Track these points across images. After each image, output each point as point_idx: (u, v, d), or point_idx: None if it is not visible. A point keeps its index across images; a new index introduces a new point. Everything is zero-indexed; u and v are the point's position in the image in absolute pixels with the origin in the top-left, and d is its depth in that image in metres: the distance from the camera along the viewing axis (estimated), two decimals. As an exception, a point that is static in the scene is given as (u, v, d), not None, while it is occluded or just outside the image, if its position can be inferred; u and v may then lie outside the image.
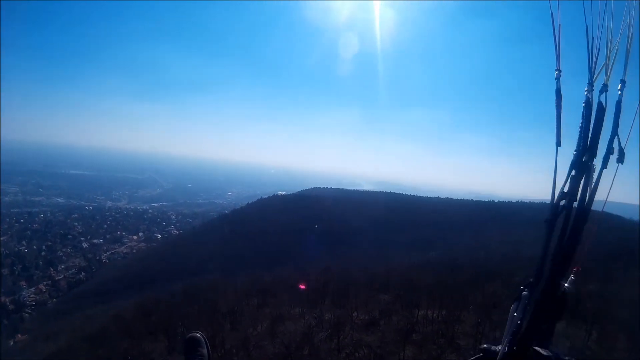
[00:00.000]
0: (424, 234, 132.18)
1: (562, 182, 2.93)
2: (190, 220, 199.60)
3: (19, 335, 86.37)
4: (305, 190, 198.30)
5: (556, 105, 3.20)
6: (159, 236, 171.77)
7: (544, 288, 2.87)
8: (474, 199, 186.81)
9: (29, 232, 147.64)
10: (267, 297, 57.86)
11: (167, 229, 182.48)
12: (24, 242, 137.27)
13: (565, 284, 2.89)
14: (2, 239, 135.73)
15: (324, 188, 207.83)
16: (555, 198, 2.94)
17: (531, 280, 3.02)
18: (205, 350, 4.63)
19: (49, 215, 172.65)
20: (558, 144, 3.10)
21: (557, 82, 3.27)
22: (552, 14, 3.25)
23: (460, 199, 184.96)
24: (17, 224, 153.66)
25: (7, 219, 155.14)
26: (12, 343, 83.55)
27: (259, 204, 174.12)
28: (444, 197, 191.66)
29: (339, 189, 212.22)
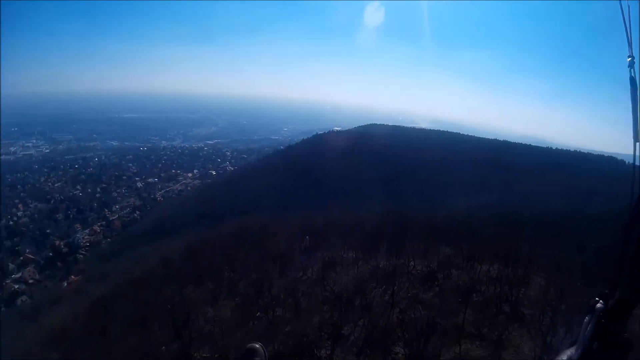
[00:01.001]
0: (483, 175, 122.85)
1: None
2: (245, 156, 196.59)
3: (72, 276, 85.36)
4: (362, 126, 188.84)
5: (631, 96, 2.94)
6: (214, 173, 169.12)
7: (621, 299, 2.65)
8: (532, 144, 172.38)
9: (83, 176, 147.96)
10: (320, 240, 53.20)
11: (222, 166, 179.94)
12: (78, 187, 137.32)
13: None
14: (57, 185, 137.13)
15: (380, 125, 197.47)
16: (636, 200, 2.72)
17: (606, 291, 2.77)
18: None
19: (103, 158, 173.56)
20: (636, 139, 2.89)
21: (630, 70, 2.98)
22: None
23: (518, 143, 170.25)
24: (71, 170, 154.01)
25: (62, 166, 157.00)
26: (65, 285, 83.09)
27: (315, 140, 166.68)
28: (502, 139, 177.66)
29: (395, 126, 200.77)
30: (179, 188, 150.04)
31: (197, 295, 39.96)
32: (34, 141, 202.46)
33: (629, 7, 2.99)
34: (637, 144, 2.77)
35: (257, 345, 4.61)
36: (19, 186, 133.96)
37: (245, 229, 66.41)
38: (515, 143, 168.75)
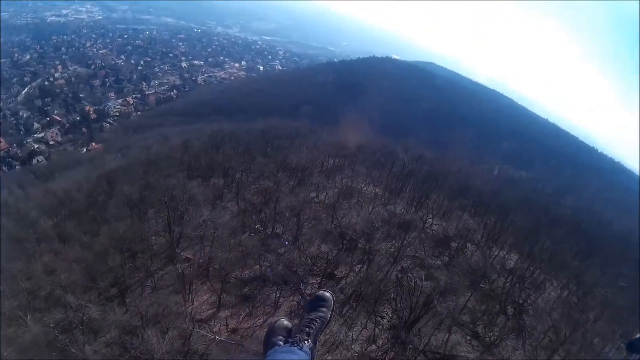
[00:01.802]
0: (526, 147, 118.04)
1: None
2: (297, 59, 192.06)
3: (94, 144, 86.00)
4: (421, 62, 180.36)
5: None
6: (262, 68, 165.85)
7: None
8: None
9: (129, 47, 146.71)
10: (345, 165, 51.57)
11: (271, 63, 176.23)
12: (122, 56, 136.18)
13: None
14: (101, 52, 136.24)
15: (440, 66, 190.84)
16: None
17: None
18: (328, 313, 4.21)
19: (154, 33, 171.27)
20: None
21: None
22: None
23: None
24: (119, 39, 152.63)
25: (110, 34, 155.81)
26: (84, 151, 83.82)
27: (371, 61, 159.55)
28: (553, 122, 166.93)
29: (454, 72, 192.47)
30: (223, 76, 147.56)
31: (202, 191, 39.25)
32: (88, 6, 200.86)
33: None
34: None
35: (328, 294, 4.19)
36: (62, 48, 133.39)
37: (274, 130, 66.00)
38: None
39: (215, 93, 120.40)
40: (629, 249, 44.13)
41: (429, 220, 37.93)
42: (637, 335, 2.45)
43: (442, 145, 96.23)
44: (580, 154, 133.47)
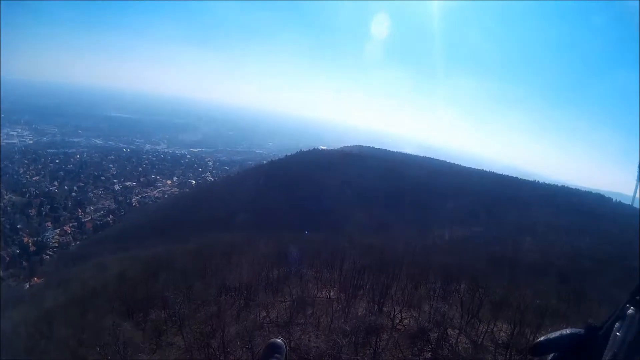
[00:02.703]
0: (468, 206, 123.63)
1: None
2: (227, 167, 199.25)
3: (36, 278, 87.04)
4: (347, 147, 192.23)
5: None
6: (194, 182, 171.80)
7: None
8: (519, 177, 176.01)
9: (62, 172, 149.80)
10: (291, 273, 50.27)
11: (202, 175, 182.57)
12: (55, 183, 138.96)
13: None
14: (34, 179, 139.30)
15: (366, 147, 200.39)
16: None
17: (638, 297, 2.68)
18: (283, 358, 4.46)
19: (85, 156, 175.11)
20: None
21: None
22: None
23: (505, 175, 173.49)
24: (51, 164, 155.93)
25: (42, 159, 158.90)
26: (27, 286, 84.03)
27: (299, 156, 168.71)
28: (488, 170, 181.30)
29: (381, 149, 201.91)
30: (157, 195, 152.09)
31: (143, 327, 38.01)
32: (19, 130, 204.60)
33: None
34: None
35: (279, 340, 4.61)
36: None
37: (213, 247, 67.00)
38: (501, 175, 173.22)
39: (150, 214, 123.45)
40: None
41: (398, 315, 35.56)
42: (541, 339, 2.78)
43: (385, 225, 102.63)
44: (525, 192, 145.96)
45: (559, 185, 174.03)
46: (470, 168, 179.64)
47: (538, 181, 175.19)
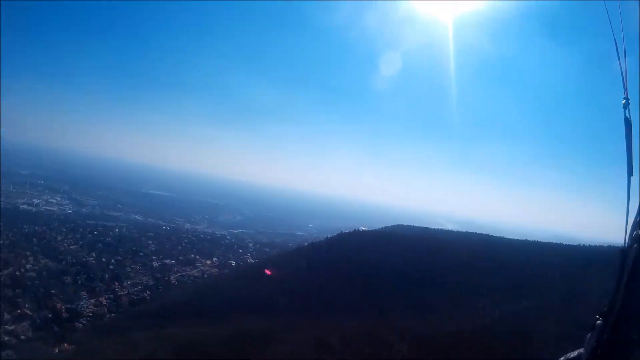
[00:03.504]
0: (514, 280, 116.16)
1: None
2: (267, 249, 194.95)
3: (66, 344, 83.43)
4: (388, 227, 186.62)
5: (626, 135, 3.40)
6: (234, 263, 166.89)
7: (620, 315, 3.09)
8: (563, 243, 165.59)
9: (100, 244, 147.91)
10: None
11: (242, 257, 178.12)
12: (93, 254, 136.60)
13: None
14: (72, 247, 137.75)
15: (406, 226, 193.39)
16: (630, 228, 3.23)
17: (605, 309, 3.21)
18: None
19: (124, 230, 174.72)
20: (630, 173, 3.43)
21: (624, 110, 3.39)
22: (614, 39, 3.45)
23: (548, 242, 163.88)
24: (89, 235, 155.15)
25: (81, 229, 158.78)
26: (56, 351, 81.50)
27: (340, 238, 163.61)
28: (531, 239, 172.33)
29: (422, 227, 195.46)
30: (195, 274, 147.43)
31: None
32: (59, 198, 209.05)
33: (624, 50, 3.48)
34: (630, 177, 3.30)
35: None
36: (34, 239, 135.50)
37: (249, 333, 63.67)
38: (545, 242, 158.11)
39: (188, 293, 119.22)
40: None
41: None
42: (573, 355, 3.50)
43: (430, 308, 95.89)
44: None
45: (605, 245, 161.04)
46: (514, 239, 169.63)
47: (582, 244, 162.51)
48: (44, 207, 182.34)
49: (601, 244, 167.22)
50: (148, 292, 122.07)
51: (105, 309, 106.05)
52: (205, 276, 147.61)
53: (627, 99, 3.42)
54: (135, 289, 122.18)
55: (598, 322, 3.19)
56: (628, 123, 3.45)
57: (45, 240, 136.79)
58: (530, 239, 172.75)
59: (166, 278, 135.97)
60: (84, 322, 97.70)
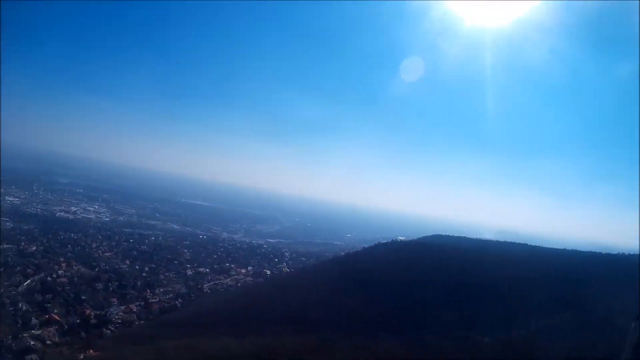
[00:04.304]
0: (555, 291, 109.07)
1: None
2: (304, 259, 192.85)
3: (92, 350, 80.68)
4: (426, 237, 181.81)
5: None
6: (269, 272, 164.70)
7: None
8: (603, 252, 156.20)
9: (135, 252, 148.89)
10: None
11: (278, 266, 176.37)
12: (127, 261, 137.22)
13: None
14: (106, 254, 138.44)
15: (445, 236, 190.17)
16: None
17: None
18: None
19: (160, 239, 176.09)
20: None
21: None
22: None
23: (588, 251, 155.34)
24: (125, 243, 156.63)
25: (117, 237, 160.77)
26: (81, 357, 78.62)
27: (377, 248, 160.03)
28: (570, 248, 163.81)
29: (460, 237, 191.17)
30: (229, 283, 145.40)
31: None
32: (96, 207, 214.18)
33: None
34: None
35: None
36: (69, 245, 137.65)
37: (281, 347, 59.73)
38: (587, 252, 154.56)
39: (220, 302, 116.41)
40: None
41: None
42: None
43: (472, 320, 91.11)
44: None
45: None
46: (552, 249, 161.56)
47: (623, 253, 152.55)
48: (81, 214, 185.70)
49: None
50: (180, 300, 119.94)
51: (135, 316, 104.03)
52: (239, 285, 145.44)
53: None
54: (167, 296, 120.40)
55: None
56: None
57: (80, 247, 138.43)
58: (569, 248, 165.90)
59: (199, 286, 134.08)
60: (112, 328, 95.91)
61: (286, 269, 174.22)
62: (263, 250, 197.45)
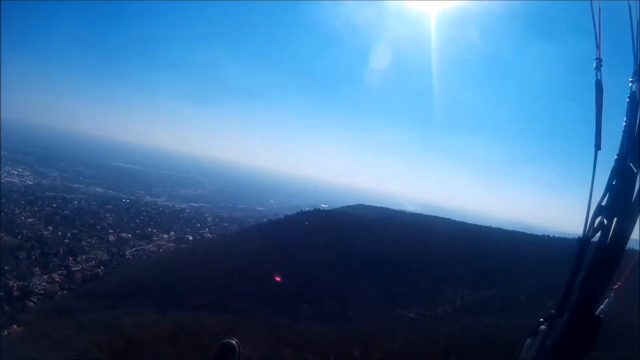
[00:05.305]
0: (479, 267, 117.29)
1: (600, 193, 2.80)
2: (226, 224, 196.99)
3: (15, 326, 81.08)
4: (349, 206, 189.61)
5: (596, 101, 2.94)
6: (191, 238, 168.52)
7: (571, 317, 2.79)
8: (527, 232, 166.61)
9: (58, 217, 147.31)
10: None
11: (200, 232, 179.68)
12: (50, 227, 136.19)
13: (602, 307, 2.84)
14: (29, 220, 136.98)
15: (368, 206, 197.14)
16: (591, 213, 2.78)
17: (552, 312, 2.89)
18: (236, 359, 4.61)
19: (83, 203, 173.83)
20: (597, 147, 2.91)
21: (596, 73, 3.01)
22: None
23: (513, 231, 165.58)
24: (48, 208, 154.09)
25: (40, 202, 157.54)
26: (5, 333, 77.74)
27: (300, 216, 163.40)
28: (494, 226, 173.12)
29: (383, 207, 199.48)
30: (152, 249, 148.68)
31: None
32: (20, 170, 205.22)
33: (599, 8, 3.19)
34: (598, 152, 2.93)
35: (234, 342, 4.85)
36: None
37: (190, 326, 60.64)
38: (510, 231, 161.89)
39: (141, 270, 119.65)
40: None
41: None
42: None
43: (394, 294, 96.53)
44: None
45: (570, 237, 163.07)
46: (476, 225, 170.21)
47: (548, 235, 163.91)
48: (4, 179, 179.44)
49: (566, 235, 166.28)
50: (102, 267, 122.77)
51: (58, 286, 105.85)
52: (161, 251, 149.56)
53: (599, 59, 3.09)
54: (90, 264, 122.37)
55: (542, 327, 2.89)
56: (599, 87, 3.06)
57: (2, 214, 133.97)
58: (493, 226, 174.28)
59: (121, 253, 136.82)
60: (35, 300, 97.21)
61: (208, 234, 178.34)
62: (186, 214, 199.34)
